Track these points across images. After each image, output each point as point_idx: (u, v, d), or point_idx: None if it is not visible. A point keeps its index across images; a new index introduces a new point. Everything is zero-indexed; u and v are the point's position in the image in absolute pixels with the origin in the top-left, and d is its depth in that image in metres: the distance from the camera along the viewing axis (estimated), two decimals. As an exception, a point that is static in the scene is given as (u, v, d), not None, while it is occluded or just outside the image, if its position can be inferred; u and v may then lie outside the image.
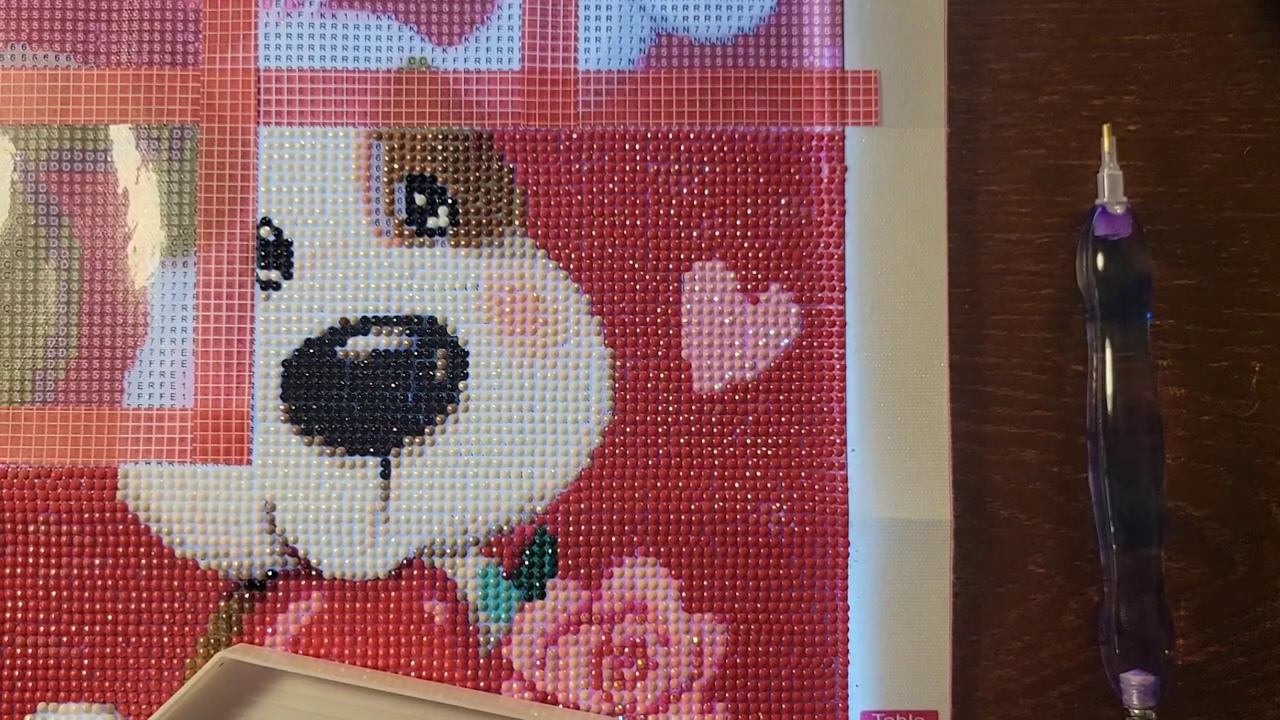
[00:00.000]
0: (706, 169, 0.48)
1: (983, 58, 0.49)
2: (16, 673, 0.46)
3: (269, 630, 0.47)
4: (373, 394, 0.47)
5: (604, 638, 0.47)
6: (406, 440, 0.47)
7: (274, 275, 0.48)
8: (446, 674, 0.47)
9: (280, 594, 0.47)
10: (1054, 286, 0.48)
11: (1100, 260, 0.46)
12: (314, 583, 0.47)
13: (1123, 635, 0.46)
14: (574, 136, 0.48)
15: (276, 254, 0.48)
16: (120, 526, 0.47)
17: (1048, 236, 0.48)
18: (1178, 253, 0.48)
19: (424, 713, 0.44)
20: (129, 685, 0.46)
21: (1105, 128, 0.47)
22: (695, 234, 0.48)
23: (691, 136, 0.48)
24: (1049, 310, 0.48)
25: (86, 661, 0.46)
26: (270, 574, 0.47)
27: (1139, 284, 0.47)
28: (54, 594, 0.46)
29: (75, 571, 0.46)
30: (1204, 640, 0.47)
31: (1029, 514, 0.48)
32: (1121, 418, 0.46)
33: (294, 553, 0.47)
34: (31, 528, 0.47)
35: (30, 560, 0.46)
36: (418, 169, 0.48)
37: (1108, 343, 0.46)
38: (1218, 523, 0.48)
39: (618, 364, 0.47)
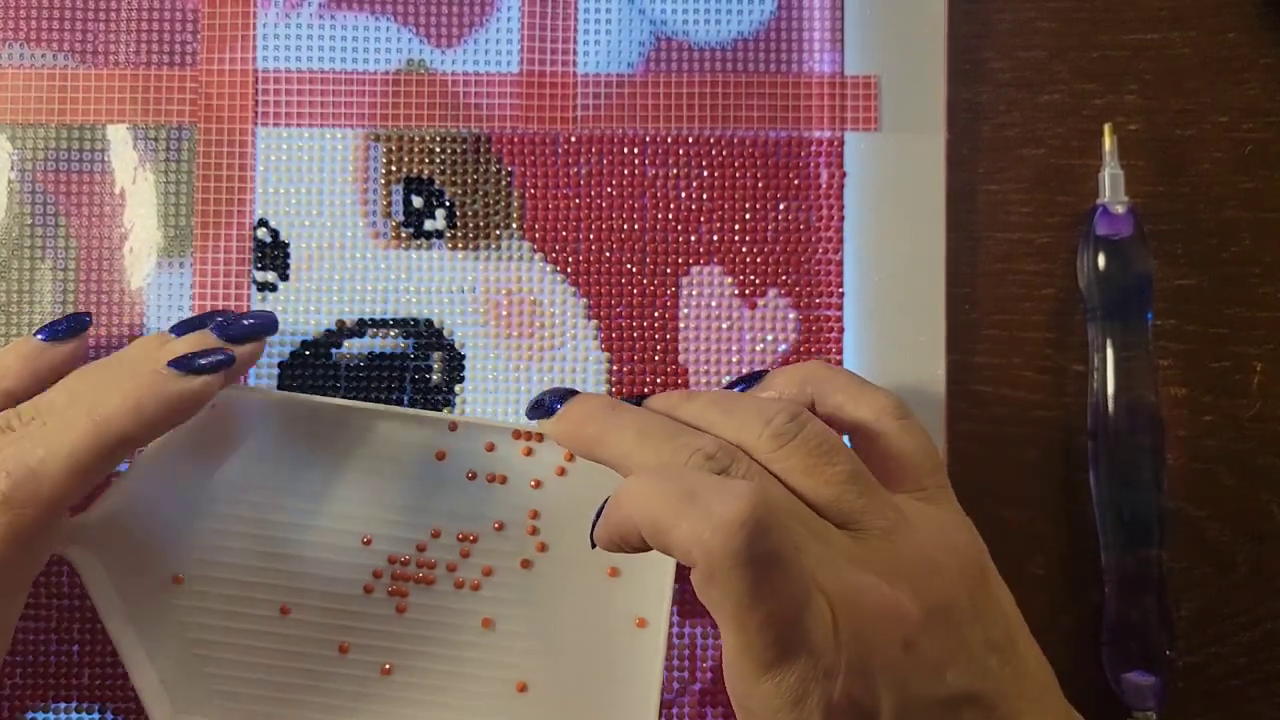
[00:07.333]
0: (705, 173, 0.48)
1: (983, 57, 0.48)
2: (10, 673, 0.46)
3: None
4: (369, 397, 0.47)
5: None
6: (405, 442, 0.47)
7: (271, 276, 0.47)
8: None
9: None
10: (1055, 286, 0.48)
11: (1101, 260, 0.46)
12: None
13: (1123, 636, 0.45)
14: (572, 140, 0.48)
15: (273, 255, 0.47)
16: (119, 528, 0.47)
17: (1048, 236, 0.48)
18: (1179, 252, 0.48)
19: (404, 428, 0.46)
20: (122, 686, 0.46)
21: (1106, 127, 0.47)
22: (693, 238, 0.47)
23: (690, 141, 0.48)
24: (1050, 310, 0.48)
25: (80, 661, 0.46)
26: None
27: (1140, 284, 0.46)
28: (50, 594, 0.46)
29: (71, 571, 0.46)
30: (1205, 641, 0.47)
31: (1029, 514, 0.48)
32: (1122, 418, 0.46)
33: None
34: (31, 528, 0.47)
35: (30, 561, 0.47)
36: (415, 171, 0.48)
37: (1109, 343, 0.46)
38: (1219, 523, 0.48)
39: (615, 368, 0.47)
